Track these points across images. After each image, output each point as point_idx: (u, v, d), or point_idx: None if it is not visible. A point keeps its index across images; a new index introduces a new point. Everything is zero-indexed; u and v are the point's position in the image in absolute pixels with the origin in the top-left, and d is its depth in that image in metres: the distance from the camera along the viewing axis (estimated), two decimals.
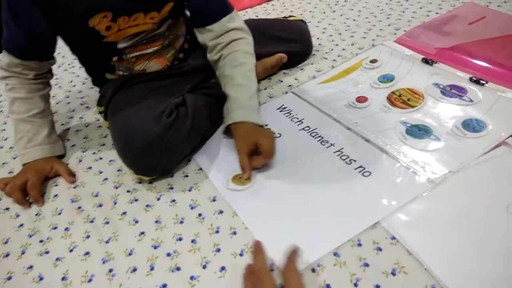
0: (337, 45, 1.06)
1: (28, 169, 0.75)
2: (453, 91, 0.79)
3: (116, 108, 0.77)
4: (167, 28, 0.80)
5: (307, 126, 0.79)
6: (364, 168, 0.67)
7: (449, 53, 0.92)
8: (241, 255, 0.57)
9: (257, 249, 0.55)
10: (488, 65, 0.86)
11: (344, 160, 0.69)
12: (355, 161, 0.69)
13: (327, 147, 0.73)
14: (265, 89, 0.94)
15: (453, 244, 0.54)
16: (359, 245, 0.56)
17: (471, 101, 0.76)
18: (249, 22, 0.84)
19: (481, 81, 0.79)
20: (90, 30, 0.70)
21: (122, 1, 0.69)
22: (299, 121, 0.81)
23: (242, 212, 0.63)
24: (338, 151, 0.71)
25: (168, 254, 0.59)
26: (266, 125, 0.79)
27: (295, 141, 0.76)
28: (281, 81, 0.96)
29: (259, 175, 0.69)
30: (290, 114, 0.83)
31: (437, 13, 1.13)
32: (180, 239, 0.61)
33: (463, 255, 0.52)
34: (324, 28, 1.16)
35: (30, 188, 0.72)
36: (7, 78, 0.75)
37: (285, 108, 0.85)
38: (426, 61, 0.89)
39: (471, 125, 0.70)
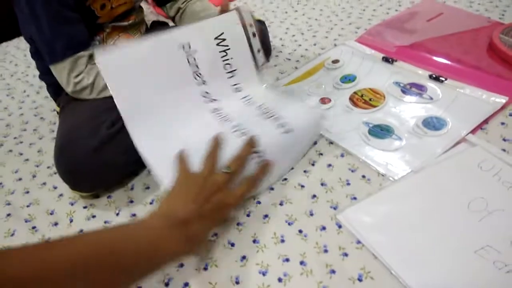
0: (300, 45, 1.05)
1: None
2: (413, 89, 0.79)
3: (65, 114, 0.73)
4: (139, 6, 0.85)
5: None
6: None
7: (408, 51, 0.93)
8: (205, 269, 0.55)
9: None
10: (447, 62, 0.88)
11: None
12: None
13: None
14: None
15: (418, 246, 0.53)
16: (325, 251, 0.55)
17: (431, 98, 0.76)
18: None
19: (441, 78, 0.80)
20: (85, 10, 0.71)
21: None
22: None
23: None
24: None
25: None
26: None
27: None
28: None
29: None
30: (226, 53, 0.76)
31: (396, 10, 1.14)
32: None
33: (428, 256, 0.52)
34: (287, 28, 1.15)
35: None
36: None
37: (224, 40, 0.76)
38: (386, 59, 0.89)
39: (432, 123, 0.71)
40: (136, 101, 0.65)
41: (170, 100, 0.67)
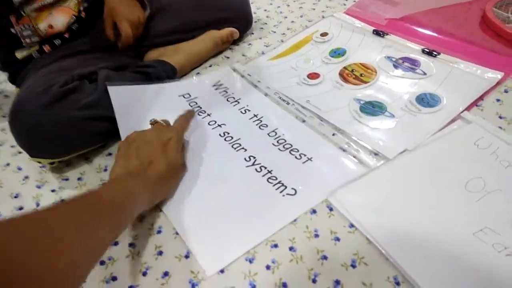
0: (285, 17, 0.99)
1: None
2: (406, 64, 0.75)
3: (21, 87, 0.68)
4: None
5: (244, 108, 0.72)
6: (306, 155, 0.61)
7: (400, 24, 0.89)
8: (187, 257, 0.51)
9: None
10: (439, 36, 0.84)
11: (280, 144, 0.64)
12: (298, 150, 0.63)
13: (272, 136, 0.66)
14: (210, 66, 0.86)
15: (413, 228, 0.50)
16: (316, 236, 0.51)
17: (424, 74, 0.73)
18: None
19: (434, 53, 0.76)
20: None
21: None
22: (236, 101, 0.74)
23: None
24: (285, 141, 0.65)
25: (102, 263, 0.51)
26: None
27: (230, 126, 0.68)
28: (228, 58, 0.88)
29: (191, 165, 0.62)
30: (227, 93, 0.76)
31: None
32: (116, 243, 0.53)
33: (424, 239, 0.49)
34: None
35: None
36: None
37: (221, 85, 0.78)
38: (377, 32, 0.85)
39: (426, 100, 0.67)
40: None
41: None
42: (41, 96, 0.58)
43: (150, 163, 0.52)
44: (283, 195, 0.56)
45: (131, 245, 0.53)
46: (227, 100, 0.74)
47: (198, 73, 0.84)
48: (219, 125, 0.68)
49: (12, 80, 0.78)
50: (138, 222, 0.55)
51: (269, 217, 0.54)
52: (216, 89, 0.77)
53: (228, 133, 0.67)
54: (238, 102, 0.73)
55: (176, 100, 0.74)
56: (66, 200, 0.42)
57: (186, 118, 0.65)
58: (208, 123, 0.69)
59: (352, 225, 0.52)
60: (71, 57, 0.72)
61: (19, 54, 0.72)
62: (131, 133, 0.58)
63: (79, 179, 0.63)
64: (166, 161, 0.54)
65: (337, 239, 0.51)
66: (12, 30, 0.69)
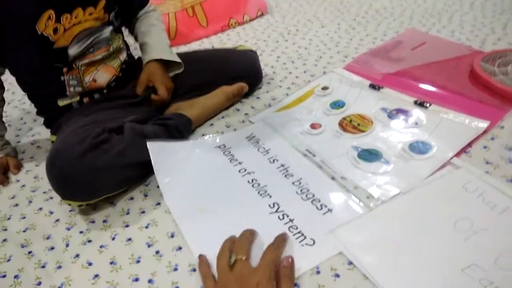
0: (290, 73, 1.09)
1: None
2: (399, 115, 0.83)
3: (57, 136, 0.79)
4: (110, 34, 0.85)
5: (273, 158, 0.78)
6: (326, 206, 0.66)
7: (394, 78, 0.97)
8: None
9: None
10: (431, 88, 0.92)
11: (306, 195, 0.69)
12: (320, 200, 0.67)
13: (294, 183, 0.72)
14: (222, 118, 0.95)
15: (407, 265, 0.55)
16: (318, 272, 0.56)
17: (416, 124, 0.80)
18: (198, 53, 0.87)
19: (425, 104, 0.84)
20: (39, 38, 0.74)
21: None
22: (266, 151, 0.81)
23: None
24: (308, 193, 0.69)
25: None
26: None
27: (258, 173, 0.75)
28: (238, 110, 0.97)
29: (215, 207, 0.69)
30: (258, 143, 0.83)
31: (382, 40, 1.19)
32: (137, 279, 0.59)
33: (417, 275, 0.54)
34: (278, 57, 1.19)
35: None
36: None
37: (254, 137, 0.86)
38: (373, 86, 0.93)
39: (417, 148, 0.74)
40: (177, 179, 0.75)
41: (207, 174, 0.78)
42: (75, 147, 0.67)
43: None
44: (302, 245, 0.60)
45: (150, 281, 0.59)
46: (258, 150, 0.81)
47: (212, 124, 0.93)
48: (249, 173, 0.75)
49: (47, 125, 0.89)
50: (155, 260, 0.61)
51: None
52: (249, 140, 0.85)
53: (256, 180, 0.73)
54: (268, 152, 0.80)
55: (212, 151, 0.82)
56: None
57: (278, 246, 0.57)
58: (239, 171, 0.76)
59: (350, 263, 0.57)
60: (104, 110, 0.83)
61: (61, 102, 0.84)
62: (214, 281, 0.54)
63: (104, 221, 0.70)
64: None
65: (337, 275, 0.56)
66: (62, 78, 0.81)
